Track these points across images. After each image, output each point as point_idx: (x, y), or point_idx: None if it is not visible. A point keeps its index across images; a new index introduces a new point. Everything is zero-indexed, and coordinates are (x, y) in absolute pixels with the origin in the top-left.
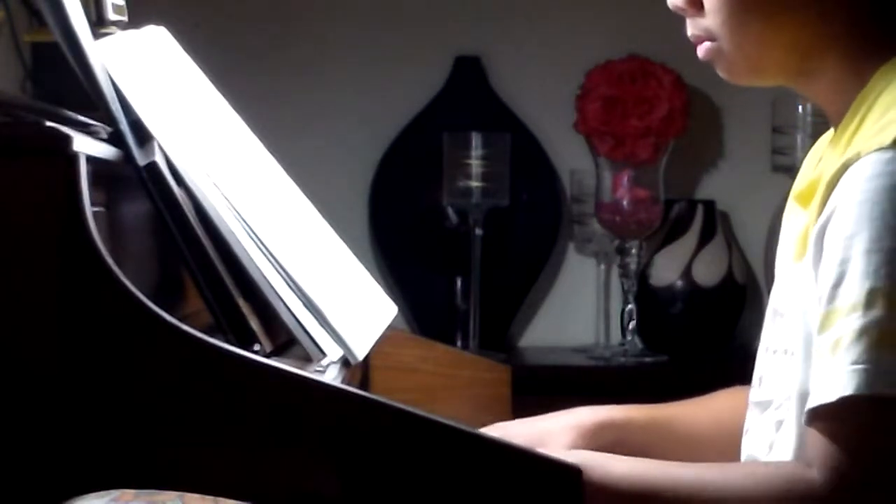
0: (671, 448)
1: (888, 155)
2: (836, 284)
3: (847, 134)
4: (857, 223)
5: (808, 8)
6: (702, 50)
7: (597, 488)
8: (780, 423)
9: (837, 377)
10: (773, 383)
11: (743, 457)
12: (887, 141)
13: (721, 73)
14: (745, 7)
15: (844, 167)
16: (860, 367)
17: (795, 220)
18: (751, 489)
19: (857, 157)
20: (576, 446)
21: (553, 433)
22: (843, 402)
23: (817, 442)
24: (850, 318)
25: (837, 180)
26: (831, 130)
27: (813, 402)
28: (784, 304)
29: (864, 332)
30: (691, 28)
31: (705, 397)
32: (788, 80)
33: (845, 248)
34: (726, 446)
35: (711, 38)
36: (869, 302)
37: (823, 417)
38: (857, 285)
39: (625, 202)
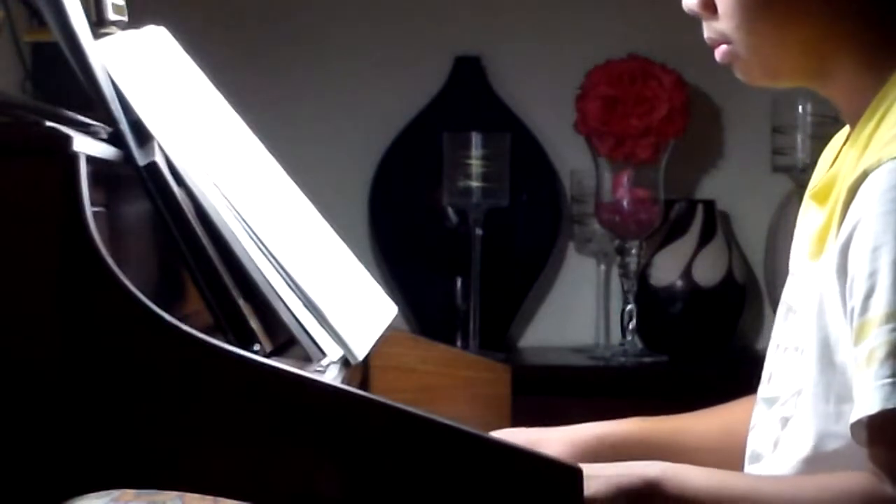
0: (674, 460)
1: None
2: (868, 296)
3: (865, 134)
4: (883, 235)
5: (822, 9)
6: (719, 53)
7: (672, 500)
8: (785, 420)
9: (876, 390)
10: (781, 380)
11: (748, 452)
12: None
13: (739, 76)
14: (759, 10)
15: (864, 174)
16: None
17: (811, 218)
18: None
19: (878, 164)
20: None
21: (549, 444)
22: (883, 417)
23: (874, 455)
24: (882, 330)
25: (857, 187)
26: (846, 129)
27: (855, 415)
28: (797, 301)
29: None
30: (707, 31)
31: (720, 406)
32: (805, 80)
33: (872, 261)
34: (732, 454)
35: (727, 42)
36: None
37: (868, 430)
38: (887, 296)
39: (625, 202)
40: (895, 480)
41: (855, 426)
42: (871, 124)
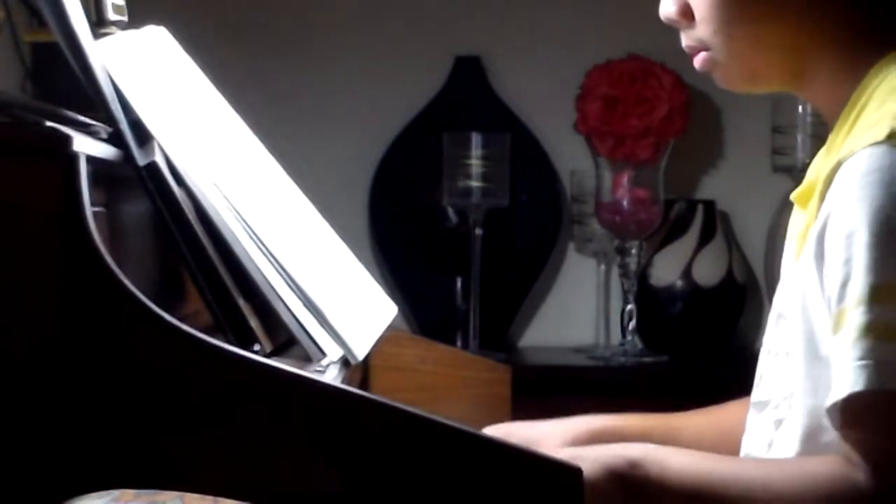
0: None
1: (881, 149)
2: (844, 283)
3: (842, 133)
4: (857, 220)
5: (798, 11)
6: (698, 61)
7: (654, 483)
8: (779, 422)
9: (847, 374)
10: (771, 383)
11: (741, 455)
12: (881, 135)
13: (719, 83)
14: (735, 14)
15: (839, 164)
16: (867, 362)
17: (795, 222)
18: (799, 485)
19: (851, 154)
20: None
21: (548, 436)
22: (855, 399)
23: (844, 439)
24: (855, 314)
25: (832, 178)
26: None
27: (829, 401)
28: (786, 306)
29: (869, 327)
30: (685, 39)
31: (715, 407)
32: (784, 84)
33: (847, 247)
34: (727, 454)
35: (706, 48)
36: (873, 297)
37: (839, 414)
38: (861, 281)
39: (625, 202)
40: (867, 461)
41: (830, 411)
42: (848, 124)
